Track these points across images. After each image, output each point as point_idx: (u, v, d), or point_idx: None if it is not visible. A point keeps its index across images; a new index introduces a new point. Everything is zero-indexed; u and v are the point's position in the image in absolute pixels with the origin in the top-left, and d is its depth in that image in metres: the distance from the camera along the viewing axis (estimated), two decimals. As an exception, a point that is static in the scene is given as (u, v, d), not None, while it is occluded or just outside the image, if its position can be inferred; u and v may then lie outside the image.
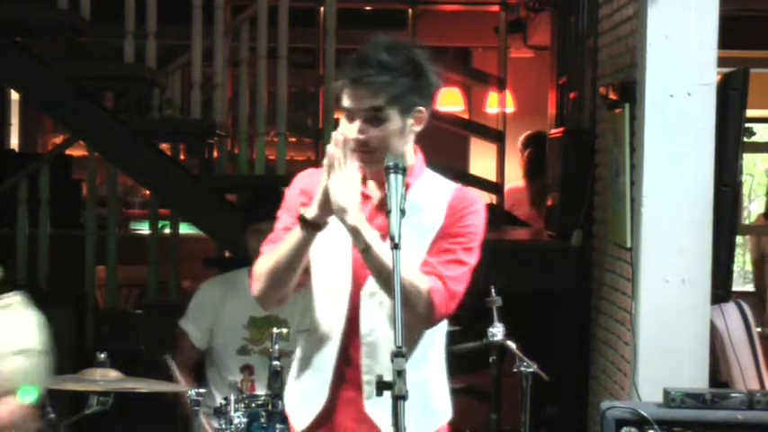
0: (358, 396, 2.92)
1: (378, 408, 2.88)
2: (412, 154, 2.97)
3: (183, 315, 4.95)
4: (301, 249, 2.84)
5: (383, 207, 2.84)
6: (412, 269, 2.83)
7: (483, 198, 3.02)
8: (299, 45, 7.62)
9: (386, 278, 2.76)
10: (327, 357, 2.95)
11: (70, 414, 4.19)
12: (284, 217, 3.03)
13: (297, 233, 2.83)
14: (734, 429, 4.13)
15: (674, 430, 4.12)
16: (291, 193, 3.05)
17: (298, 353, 3.07)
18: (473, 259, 2.95)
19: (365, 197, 2.94)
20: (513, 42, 9.04)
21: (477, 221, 2.95)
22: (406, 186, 2.89)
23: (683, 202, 4.60)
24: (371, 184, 2.97)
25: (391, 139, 2.86)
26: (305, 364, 3.02)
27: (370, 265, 2.81)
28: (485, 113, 9.82)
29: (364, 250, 2.79)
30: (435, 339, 3.04)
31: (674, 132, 4.60)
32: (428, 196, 2.95)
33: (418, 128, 2.92)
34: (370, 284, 2.89)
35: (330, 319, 2.95)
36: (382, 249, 2.78)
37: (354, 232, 2.79)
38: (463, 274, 2.93)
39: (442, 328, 3.04)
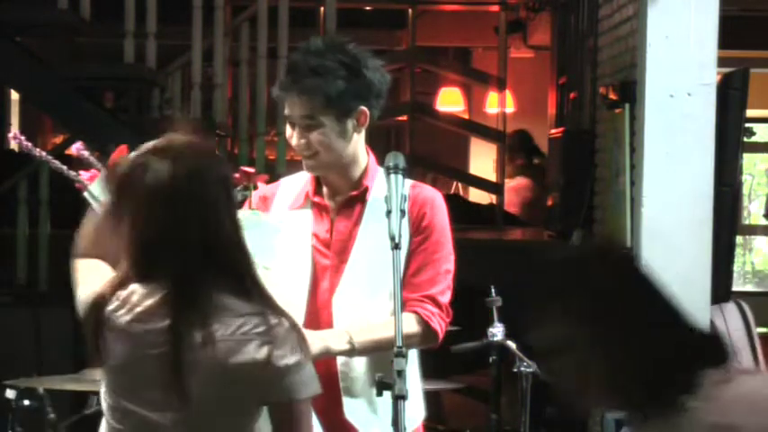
0: (332, 405, 2.87)
1: (356, 414, 2.87)
2: (364, 155, 2.93)
3: None
4: None
5: (341, 211, 2.85)
6: (390, 329, 2.70)
7: (437, 192, 2.98)
8: (299, 45, 7.62)
9: (384, 347, 2.71)
10: None
11: (70, 414, 4.19)
12: None
13: None
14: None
15: (674, 430, 4.11)
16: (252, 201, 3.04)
17: None
18: (451, 262, 2.95)
19: (321, 207, 2.91)
20: (513, 42, 9.04)
21: (441, 220, 2.93)
22: (366, 189, 2.88)
23: (683, 202, 4.60)
24: (326, 192, 2.94)
25: (332, 143, 2.83)
26: None
27: (365, 354, 2.81)
28: (485, 113, 9.82)
29: (349, 354, 2.80)
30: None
31: (674, 132, 4.60)
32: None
33: (362, 128, 2.87)
34: (341, 292, 2.86)
35: None
36: (360, 339, 2.79)
37: (327, 353, 2.77)
38: (448, 283, 2.93)
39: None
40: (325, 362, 2.83)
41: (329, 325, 2.86)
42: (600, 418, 4.22)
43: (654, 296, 2.06)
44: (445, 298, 2.92)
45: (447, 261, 2.94)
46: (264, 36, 6.41)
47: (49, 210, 6.52)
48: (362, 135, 2.90)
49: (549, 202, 7.00)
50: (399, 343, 2.49)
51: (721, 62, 4.63)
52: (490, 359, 4.39)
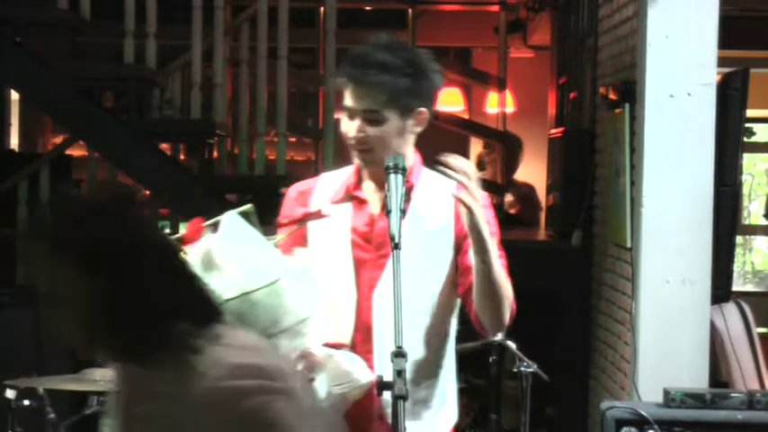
0: (372, 402, 2.87)
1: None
2: (412, 154, 2.95)
3: None
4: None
5: (384, 209, 2.84)
6: (506, 277, 2.81)
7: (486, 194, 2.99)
8: (299, 45, 7.63)
9: (496, 284, 2.76)
10: None
11: (70, 414, 4.19)
12: (283, 220, 3.01)
13: None
14: (734, 429, 4.13)
15: (674, 430, 4.12)
16: (289, 197, 3.04)
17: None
18: (501, 256, 2.94)
19: (361, 201, 2.92)
20: (513, 42, 9.05)
21: (490, 217, 2.93)
22: (410, 188, 2.88)
23: (683, 202, 4.60)
24: (368, 186, 2.95)
25: (390, 139, 2.85)
26: None
27: (486, 273, 2.78)
28: (485, 113, 9.82)
29: (488, 260, 2.76)
30: (452, 342, 3.03)
31: (674, 132, 4.60)
32: (432, 197, 2.92)
33: (419, 128, 2.91)
34: (381, 287, 2.86)
35: (338, 328, 2.91)
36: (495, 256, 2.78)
37: (484, 243, 2.75)
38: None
39: (454, 330, 3.03)
40: (367, 354, 2.83)
41: (368, 319, 2.86)
42: (600, 418, 4.22)
43: (151, 246, 2.08)
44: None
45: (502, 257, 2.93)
46: (264, 36, 6.41)
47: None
48: (414, 135, 2.92)
49: (550, 202, 7.00)
50: (400, 342, 2.49)
51: (721, 62, 4.63)
52: (490, 359, 4.40)
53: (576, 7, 6.94)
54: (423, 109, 2.88)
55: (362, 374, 2.82)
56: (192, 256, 2.54)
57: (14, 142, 9.83)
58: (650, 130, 4.62)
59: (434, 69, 2.90)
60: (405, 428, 2.44)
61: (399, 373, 2.44)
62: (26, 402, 4.11)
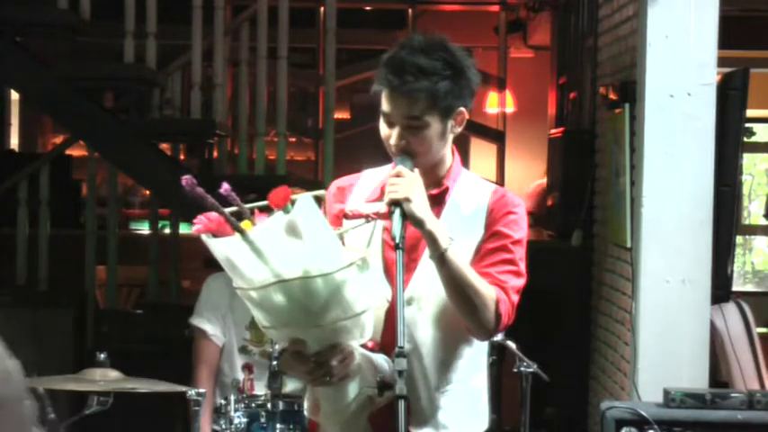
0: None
1: (422, 419, 2.85)
2: (450, 154, 2.90)
3: (195, 314, 4.72)
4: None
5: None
6: (479, 278, 2.76)
7: (522, 201, 2.96)
8: (299, 45, 7.63)
9: (459, 286, 2.71)
10: None
11: (70, 414, 4.19)
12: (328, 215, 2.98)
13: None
14: (734, 429, 4.13)
15: (674, 430, 4.12)
16: (329, 192, 3.01)
17: None
18: (523, 268, 2.90)
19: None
20: (513, 42, 9.06)
21: (522, 226, 2.90)
22: (446, 191, 2.85)
23: (683, 202, 4.60)
24: None
25: (433, 144, 2.79)
26: None
27: (443, 272, 2.73)
28: (485, 113, 9.83)
29: (439, 257, 2.71)
30: (486, 345, 3.00)
31: (674, 132, 4.60)
32: (467, 199, 2.88)
33: (459, 128, 2.85)
34: (408, 291, 2.82)
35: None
36: (456, 254, 2.73)
37: (430, 238, 2.71)
38: (521, 284, 2.89)
39: None
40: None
41: (394, 321, 2.83)
42: (600, 418, 4.22)
43: None
44: (516, 296, 2.87)
45: (522, 265, 2.90)
46: (264, 36, 6.41)
47: (49, 210, 6.52)
48: (453, 135, 2.87)
49: (549, 202, 7.00)
50: (401, 343, 2.49)
51: (721, 62, 4.63)
52: (490, 359, 4.40)
53: (576, 7, 6.94)
54: (462, 109, 2.81)
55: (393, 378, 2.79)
56: (280, 219, 2.49)
57: (14, 142, 9.84)
58: (650, 130, 4.62)
59: (472, 67, 2.82)
60: (404, 429, 2.44)
61: (400, 373, 2.43)
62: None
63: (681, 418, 4.13)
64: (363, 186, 2.95)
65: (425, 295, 2.82)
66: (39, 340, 5.99)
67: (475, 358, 2.91)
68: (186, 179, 2.43)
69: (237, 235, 2.50)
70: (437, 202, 2.84)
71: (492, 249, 2.85)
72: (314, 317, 2.55)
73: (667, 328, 4.60)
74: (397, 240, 2.60)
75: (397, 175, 2.69)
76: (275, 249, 2.48)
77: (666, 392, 4.19)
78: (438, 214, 2.81)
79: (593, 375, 5.79)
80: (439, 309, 2.82)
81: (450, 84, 2.76)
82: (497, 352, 4.36)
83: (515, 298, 2.87)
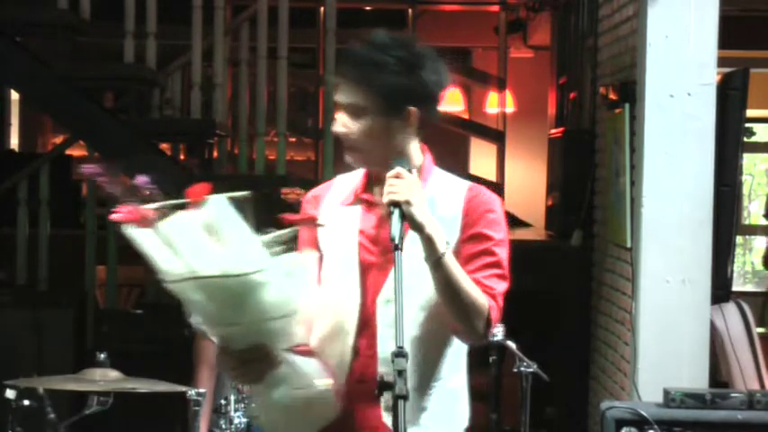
0: (375, 410, 2.85)
1: (407, 420, 2.84)
2: (417, 155, 2.88)
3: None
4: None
5: (377, 211, 2.81)
6: (473, 284, 2.74)
7: (497, 198, 2.94)
8: (299, 45, 7.63)
9: (453, 291, 2.70)
10: (339, 373, 2.86)
11: (70, 414, 4.19)
12: (302, 232, 2.99)
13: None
14: (734, 429, 4.13)
15: (674, 430, 4.12)
16: (305, 200, 3.02)
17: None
18: (507, 270, 2.88)
19: (370, 204, 2.89)
20: (513, 42, 9.05)
21: (502, 226, 2.87)
22: None
23: (683, 202, 4.60)
24: (377, 189, 2.88)
25: (374, 136, 2.79)
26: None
27: (438, 276, 2.71)
28: (485, 113, 9.83)
29: (435, 261, 2.69)
30: (464, 346, 3.00)
31: (674, 132, 4.60)
32: (442, 199, 2.86)
33: (410, 128, 2.82)
34: (386, 292, 2.82)
35: (339, 335, 2.87)
36: (452, 258, 2.71)
37: (429, 242, 2.69)
38: (507, 287, 2.89)
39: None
40: (366, 368, 2.80)
41: (372, 322, 2.83)
42: (600, 418, 4.22)
43: None
44: (502, 301, 2.84)
45: (506, 267, 2.87)
46: (264, 36, 6.41)
47: (49, 210, 6.52)
48: (412, 134, 2.84)
49: (549, 202, 7.01)
50: (400, 343, 2.48)
51: (721, 62, 4.63)
52: (490, 359, 4.40)
53: (576, 7, 6.94)
54: (413, 109, 2.80)
55: (322, 382, 2.79)
56: (196, 216, 2.51)
57: (14, 142, 9.85)
58: (650, 130, 4.62)
59: (433, 69, 2.81)
60: (405, 429, 2.43)
61: (400, 373, 2.43)
62: (26, 402, 4.11)
63: (681, 418, 4.13)
64: (336, 192, 2.95)
65: (400, 299, 2.81)
66: (39, 340, 5.99)
67: (455, 359, 2.91)
68: (88, 168, 2.46)
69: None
70: None
71: (476, 253, 2.82)
72: (232, 316, 2.56)
73: (667, 328, 4.60)
74: (396, 241, 2.60)
75: (397, 176, 2.69)
76: (190, 245, 2.50)
77: (666, 392, 4.19)
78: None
79: (593, 375, 5.79)
80: (417, 310, 2.81)
81: (396, 80, 2.75)
82: (497, 352, 4.37)
83: (501, 302, 2.84)
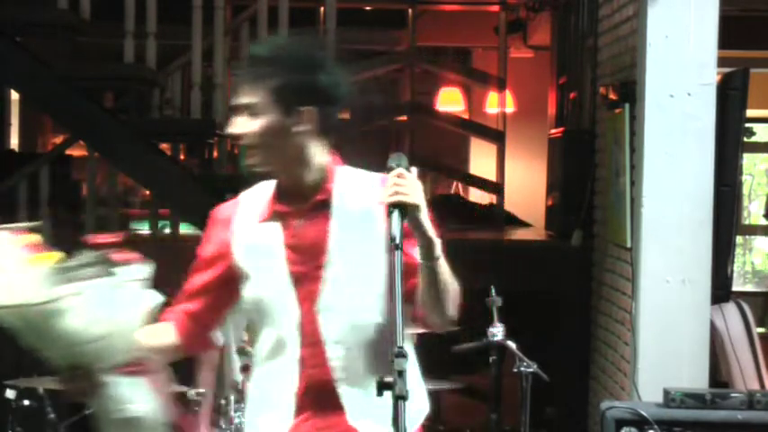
0: (335, 416, 2.86)
1: (363, 417, 2.85)
2: (322, 157, 2.84)
3: None
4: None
5: (308, 217, 2.80)
6: (452, 276, 2.76)
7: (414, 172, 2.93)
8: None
9: (443, 289, 2.72)
10: (287, 388, 2.87)
11: (70, 414, 4.19)
12: (206, 246, 3.00)
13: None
14: (734, 429, 4.14)
15: (673, 430, 4.12)
16: (214, 219, 3.01)
17: (251, 387, 2.97)
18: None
19: (286, 215, 2.83)
20: (513, 42, 9.05)
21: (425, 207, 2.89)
22: (330, 192, 2.81)
23: (682, 202, 4.60)
24: (288, 198, 2.86)
25: (271, 137, 2.76)
26: (262, 398, 2.92)
27: (431, 277, 2.72)
28: (485, 113, 9.82)
29: (433, 263, 2.69)
30: (411, 337, 2.99)
31: (674, 132, 4.60)
32: (355, 196, 2.83)
33: (306, 128, 2.77)
34: (324, 299, 2.80)
35: (282, 350, 2.87)
36: (443, 260, 2.73)
37: (429, 244, 2.68)
38: None
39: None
40: (316, 376, 2.81)
41: (316, 333, 2.81)
42: (600, 418, 4.22)
43: None
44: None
45: (443, 249, 2.90)
46: (264, 36, 6.41)
47: (49, 210, 6.51)
48: (312, 135, 2.80)
49: (549, 202, 7.01)
50: (399, 343, 2.48)
51: (721, 62, 4.63)
52: (490, 359, 4.40)
53: (576, 7, 6.94)
54: (308, 109, 2.76)
55: (145, 407, 2.81)
56: None
57: (14, 142, 9.85)
58: (650, 130, 4.62)
59: (332, 72, 2.79)
60: (405, 429, 2.43)
61: (400, 373, 2.43)
62: (26, 402, 4.11)
63: (681, 418, 4.13)
64: (246, 210, 2.91)
65: (340, 302, 2.80)
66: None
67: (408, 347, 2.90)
68: None
69: None
70: (324, 207, 2.81)
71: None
72: (39, 342, 2.62)
73: (667, 328, 4.60)
74: (397, 241, 2.59)
75: (399, 176, 2.67)
76: None
77: (666, 392, 4.19)
78: (328, 217, 2.79)
79: (593, 375, 5.79)
80: (359, 311, 2.80)
81: (291, 80, 2.74)
82: (497, 352, 4.36)
83: None
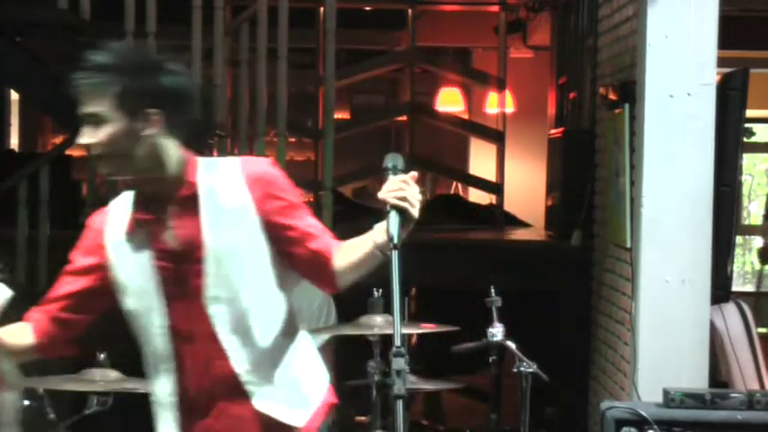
0: (233, 403, 2.88)
1: (269, 399, 2.87)
2: (175, 154, 2.85)
3: None
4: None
5: (177, 215, 2.81)
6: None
7: (267, 161, 2.94)
8: (299, 45, 7.63)
9: (365, 268, 2.79)
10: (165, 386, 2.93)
11: (70, 414, 4.19)
12: (79, 252, 3.00)
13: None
14: (734, 429, 4.13)
15: (673, 430, 4.12)
16: (89, 227, 3.01)
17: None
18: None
19: (152, 221, 2.84)
20: (512, 42, 9.05)
21: (289, 184, 2.88)
22: (194, 185, 2.82)
23: (682, 202, 4.60)
24: (151, 203, 2.87)
25: (120, 143, 2.78)
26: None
27: (371, 262, 2.77)
28: (485, 113, 9.82)
29: (387, 244, 2.69)
30: (292, 322, 2.99)
31: (674, 132, 4.60)
32: (221, 186, 2.85)
33: (154, 131, 2.79)
34: (211, 290, 2.82)
35: (153, 356, 2.95)
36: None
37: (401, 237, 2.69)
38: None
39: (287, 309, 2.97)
40: (221, 359, 2.83)
41: (209, 329, 2.83)
42: (600, 418, 4.22)
43: None
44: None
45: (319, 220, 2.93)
46: (264, 36, 6.41)
47: (49, 210, 6.51)
48: (161, 137, 2.82)
49: (549, 202, 7.01)
50: (398, 343, 2.49)
51: (721, 62, 4.63)
52: (490, 359, 4.40)
53: (576, 7, 6.94)
54: (153, 111, 2.78)
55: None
56: None
57: (14, 142, 9.85)
58: (650, 130, 4.62)
59: (171, 72, 2.82)
60: (403, 429, 2.44)
61: (399, 372, 2.44)
62: (26, 402, 4.11)
63: (681, 419, 4.13)
64: (114, 222, 2.93)
65: (226, 293, 2.82)
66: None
67: (286, 335, 2.91)
68: None
69: None
70: (191, 200, 2.82)
71: (306, 227, 2.86)
72: None
73: (667, 329, 4.60)
74: (396, 241, 2.60)
75: (406, 183, 2.68)
76: None
77: (666, 392, 4.19)
78: (198, 210, 2.81)
79: (593, 375, 5.79)
80: (244, 301, 2.83)
81: (132, 84, 2.76)
82: (497, 352, 4.37)
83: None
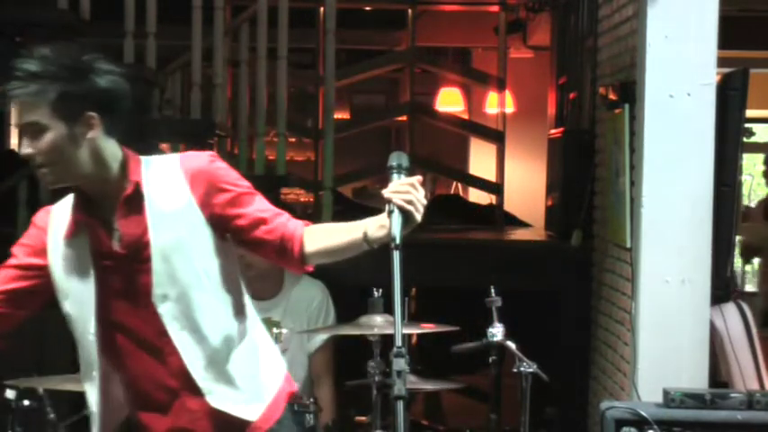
0: (189, 398, 2.88)
1: (222, 395, 2.87)
2: (115, 154, 2.86)
3: None
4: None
5: (122, 214, 2.81)
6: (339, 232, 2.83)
7: (205, 154, 2.95)
8: (299, 45, 7.63)
9: (341, 255, 2.81)
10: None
11: (70, 414, 4.19)
12: (22, 248, 3.03)
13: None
14: (733, 429, 4.13)
15: (673, 430, 4.12)
16: (31, 230, 3.05)
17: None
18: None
19: (95, 223, 2.85)
20: (512, 42, 9.05)
21: (235, 174, 2.90)
22: (137, 184, 2.82)
23: (682, 202, 4.60)
24: (90, 204, 2.89)
25: (62, 149, 2.77)
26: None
27: (355, 250, 2.79)
28: (484, 114, 9.83)
29: (381, 240, 2.72)
30: (253, 316, 2.99)
31: (673, 132, 4.60)
32: (162, 184, 2.86)
33: (94, 133, 2.80)
34: (157, 289, 2.82)
35: (89, 362, 2.95)
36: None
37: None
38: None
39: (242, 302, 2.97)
40: (172, 355, 2.83)
41: (160, 326, 2.83)
42: (600, 418, 4.22)
43: None
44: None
45: (271, 203, 2.95)
46: (264, 36, 6.41)
47: (49, 210, 6.50)
48: (102, 139, 2.82)
49: (549, 203, 7.01)
50: (399, 343, 2.49)
51: (721, 62, 4.63)
52: (490, 359, 4.40)
53: (576, 7, 6.94)
54: (91, 114, 2.78)
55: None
56: None
57: (14, 142, 9.84)
58: (650, 130, 4.62)
59: (105, 73, 2.80)
60: (402, 428, 2.44)
61: (399, 373, 2.44)
62: (26, 402, 4.11)
63: (681, 419, 4.13)
64: (57, 225, 2.97)
65: (174, 291, 2.83)
66: (39, 340, 5.98)
67: (237, 325, 2.91)
68: None
69: None
70: (135, 200, 2.82)
71: (256, 212, 2.87)
72: None
73: (667, 328, 4.60)
74: (398, 241, 2.61)
75: (414, 187, 2.68)
76: None
77: (666, 392, 4.19)
78: (143, 208, 2.81)
79: (593, 375, 5.79)
80: (193, 298, 2.83)
81: (66, 88, 2.75)
82: (497, 352, 4.37)
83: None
